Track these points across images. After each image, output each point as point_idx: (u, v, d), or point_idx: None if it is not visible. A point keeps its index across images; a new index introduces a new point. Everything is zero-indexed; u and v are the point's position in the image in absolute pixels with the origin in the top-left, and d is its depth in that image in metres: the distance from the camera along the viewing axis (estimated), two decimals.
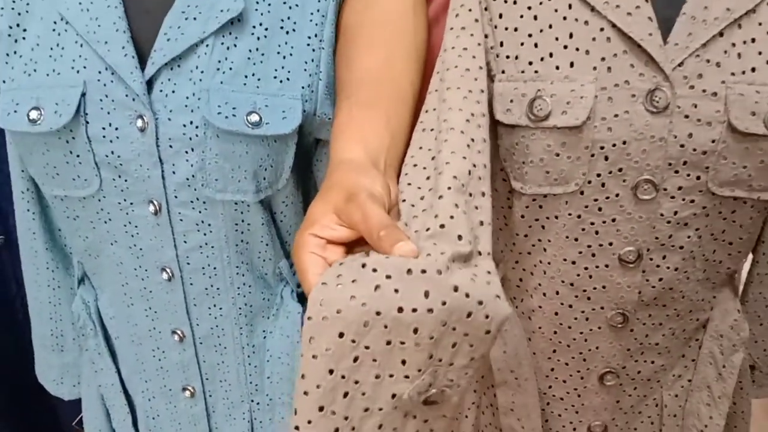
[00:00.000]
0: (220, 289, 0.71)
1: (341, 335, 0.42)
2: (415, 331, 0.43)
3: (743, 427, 0.80)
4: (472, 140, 0.54)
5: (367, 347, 0.43)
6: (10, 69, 0.66)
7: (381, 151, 0.56)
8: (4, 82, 0.66)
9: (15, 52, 0.66)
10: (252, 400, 0.78)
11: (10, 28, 0.66)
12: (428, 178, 0.52)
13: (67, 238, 0.75)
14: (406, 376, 0.45)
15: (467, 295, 0.43)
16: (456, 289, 0.43)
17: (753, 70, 0.59)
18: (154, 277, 0.70)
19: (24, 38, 0.66)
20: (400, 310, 0.42)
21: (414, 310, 0.42)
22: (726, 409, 0.73)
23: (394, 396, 0.45)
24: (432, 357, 0.44)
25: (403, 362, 0.44)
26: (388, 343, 0.43)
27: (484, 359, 0.47)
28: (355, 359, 0.43)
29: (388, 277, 0.42)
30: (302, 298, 0.78)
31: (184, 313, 0.72)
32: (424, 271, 0.43)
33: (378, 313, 0.42)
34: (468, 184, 0.51)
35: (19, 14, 0.66)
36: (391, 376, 0.44)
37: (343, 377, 0.43)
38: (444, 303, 0.42)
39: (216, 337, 0.74)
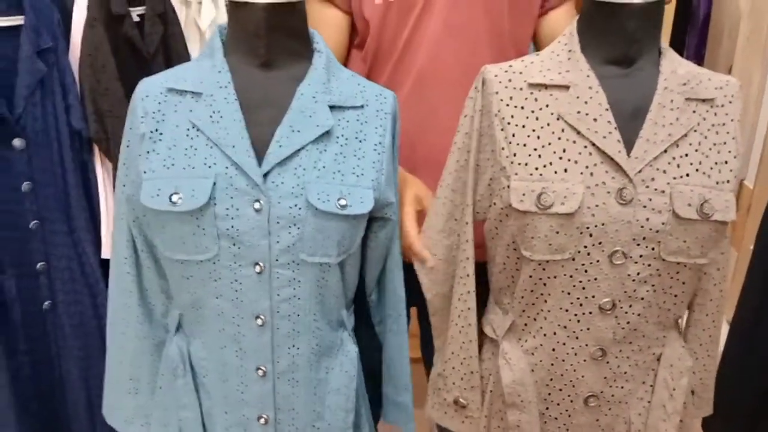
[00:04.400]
0: (300, 332, 0.91)
1: None
2: None
3: None
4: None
5: None
6: (150, 162, 0.87)
7: None
8: (145, 172, 0.87)
9: (154, 150, 0.87)
10: (314, 425, 0.97)
11: (151, 132, 0.88)
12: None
13: (175, 293, 0.93)
14: None
15: None
16: None
17: (687, 175, 0.87)
18: (248, 324, 0.90)
19: (160, 140, 0.88)
20: None
21: None
22: (677, 422, 0.98)
23: None
24: None
25: None
26: None
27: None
28: None
29: None
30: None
31: (269, 353, 0.91)
32: None
33: None
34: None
35: (157, 122, 0.88)
36: None
37: None
38: None
39: (291, 372, 0.93)
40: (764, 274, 1.71)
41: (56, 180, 1.32)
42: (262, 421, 0.95)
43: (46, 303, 1.33)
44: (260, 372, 0.92)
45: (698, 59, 2.94)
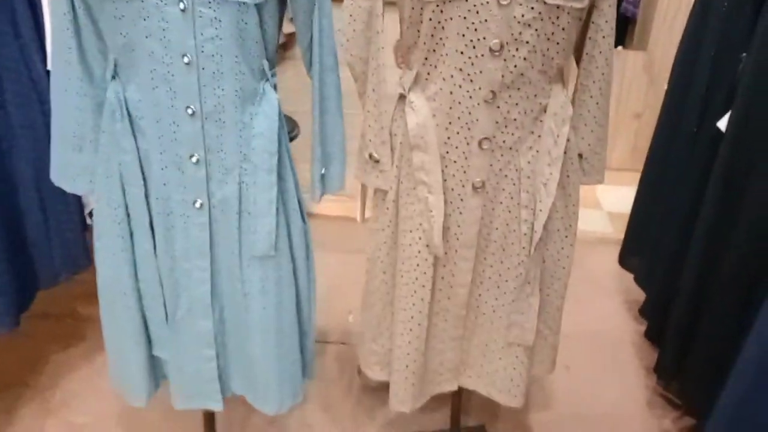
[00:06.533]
0: (224, 73, 1.02)
1: None
2: None
3: (573, 207, 1.19)
4: None
5: None
6: None
7: None
8: None
9: None
10: (241, 167, 1.09)
11: None
12: None
13: (108, 37, 1.02)
14: None
15: None
16: None
17: None
18: (176, 63, 1.00)
19: None
20: None
21: None
22: (560, 166, 1.12)
23: None
24: None
25: None
26: None
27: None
28: None
29: None
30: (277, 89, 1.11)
31: (196, 92, 1.02)
32: None
33: None
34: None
35: None
36: None
37: None
38: None
39: (218, 113, 1.04)
40: (667, 133, 1.87)
41: None
42: (194, 159, 1.07)
43: None
44: (190, 111, 1.03)
45: None
